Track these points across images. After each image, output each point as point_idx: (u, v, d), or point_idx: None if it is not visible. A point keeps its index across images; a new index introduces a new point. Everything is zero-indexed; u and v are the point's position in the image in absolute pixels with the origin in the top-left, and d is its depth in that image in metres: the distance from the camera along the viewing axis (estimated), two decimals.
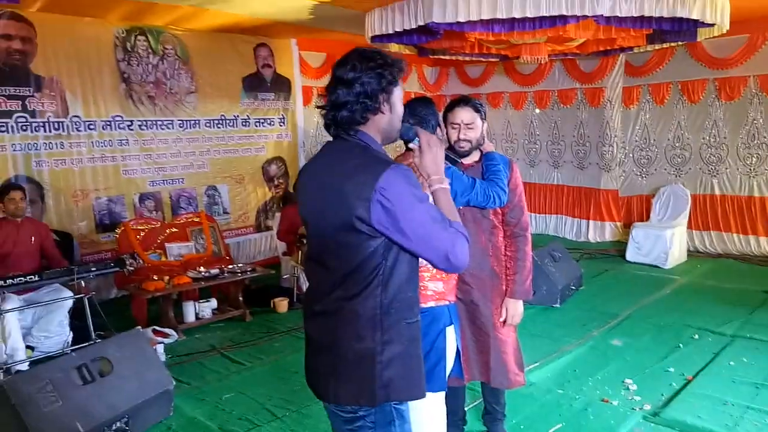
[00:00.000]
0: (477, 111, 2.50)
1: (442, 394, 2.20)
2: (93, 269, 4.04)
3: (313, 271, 1.69)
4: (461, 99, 2.56)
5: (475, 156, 2.60)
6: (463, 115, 2.49)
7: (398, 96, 1.61)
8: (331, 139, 1.64)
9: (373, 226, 1.47)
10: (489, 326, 2.63)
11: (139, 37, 6.02)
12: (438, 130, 2.33)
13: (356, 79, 1.52)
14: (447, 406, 2.77)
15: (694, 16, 4.98)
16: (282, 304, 5.35)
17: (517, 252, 2.63)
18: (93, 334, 3.89)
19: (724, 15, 5.31)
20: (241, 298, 5.18)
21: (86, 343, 3.71)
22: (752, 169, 6.86)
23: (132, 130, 6.01)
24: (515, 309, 2.63)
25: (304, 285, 5.62)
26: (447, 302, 2.20)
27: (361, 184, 1.46)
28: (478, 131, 2.51)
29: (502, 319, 2.62)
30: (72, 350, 3.68)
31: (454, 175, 2.24)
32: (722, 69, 6.85)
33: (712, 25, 5.40)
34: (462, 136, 2.49)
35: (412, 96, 9.22)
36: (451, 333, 2.20)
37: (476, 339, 2.68)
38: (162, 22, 6.03)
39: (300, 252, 5.55)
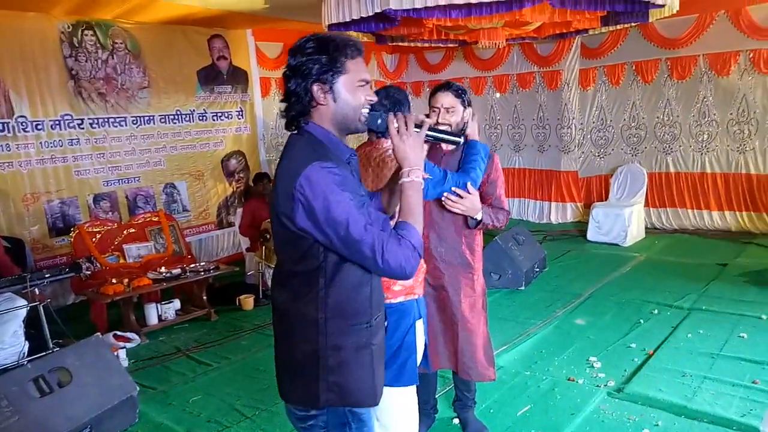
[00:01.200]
0: (458, 96, 2.51)
1: (413, 388, 2.20)
2: (47, 276, 3.89)
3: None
4: (443, 84, 2.57)
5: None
6: (443, 99, 2.50)
7: (347, 83, 1.49)
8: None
9: (297, 226, 1.42)
10: (458, 315, 2.63)
11: (86, 32, 5.78)
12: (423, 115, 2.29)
13: (292, 70, 1.48)
14: (418, 396, 2.81)
15: None
16: (248, 302, 5.28)
17: (496, 210, 2.64)
18: (50, 343, 3.76)
19: None
20: (205, 297, 5.08)
21: (43, 353, 3.58)
22: (704, 146, 7.08)
23: (83, 128, 5.79)
24: (474, 201, 2.45)
25: (269, 281, 5.56)
26: (416, 296, 2.20)
27: (286, 181, 1.42)
28: (459, 116, 2.52)
29: (453, 197, 2.44)
30: (28, 361, 3.54)
31: (425, 167, 2.22)
32: (673, 49, 7.02)
33: (663, 6, 5.51)
34: (441, 120, 2.50)
35: (372, 83, 9.27)
36: (420, 327, 2.20)
37: (445, 327, 2.69)
38: (110, 15, 5.80)
39: (264, 247, 5.47)
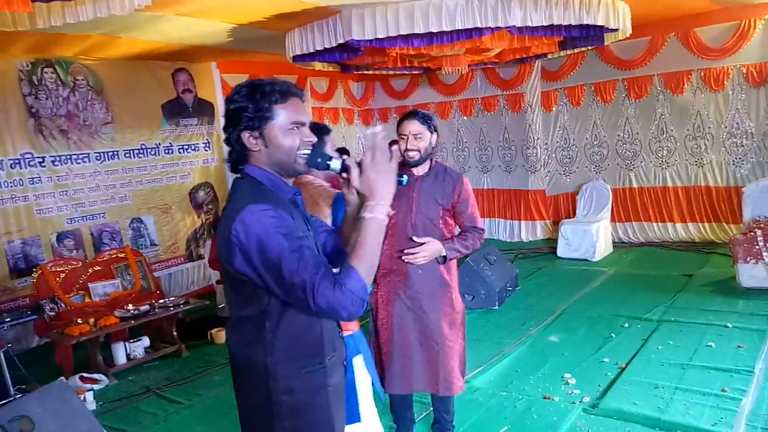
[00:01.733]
0: (424, 122, 2.66)
1: (355, 426, 2.19)
2: (7, 319, 3.76)
3: None
4: (410, 112, 2.73)
5: (425, 167, 2.75)
6: (411, 126, 2.65)
7: (277, 128, 1.47)
8: None
9: (236, 270, 1.41)
10: (437, 335, 2.68)
11: (46, 69, 5.71)
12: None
13: (227, 119, 1.50)
14: (394, 411, 2.85)
15: (599, 23, 5.28)
16: (220, 335, 5.17)
17: (469, 233, 2.75)
18: (11, 389, 3.61)
19: (626, 20, 5.66)
20: (175, 333, 4.96)
21: (3, 401, 3.42)
22: (664, 161, 7.31)
23: (44, 166, 5.67)
24: (431, 251, 2.60)
25: None
26: (350, 332, 2.21)
27: (224, 226, 1.42)
28: (426, 141, 2.67)
29: (413, 249, 2.59)
30: None
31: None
32: (629, 69, 7.29)
33: (617, 29, 5.74)
34: (410, 146, 2.66)
35: (340, 111, 9.33)
36: (359, 362, 2.20)
37: (424, 349, 2.71)
38: (71, 52, 5.75)
39: None
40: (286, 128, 1.48)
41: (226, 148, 1.54)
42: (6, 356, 3.70)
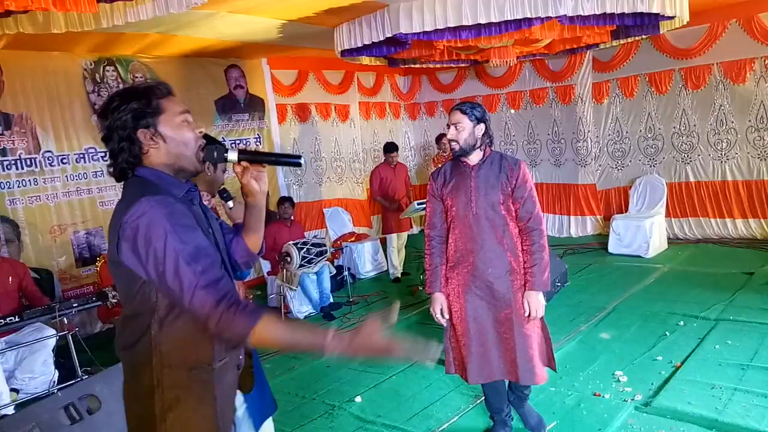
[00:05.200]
0: (464, 113, 2.64)
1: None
2: (75, 305, 3.98)
3: None
4: (456, 103, 2.74)
5: (478, 156, 2.71)
6: (452, 116, 2.68)
7: (168, 122, 1.47)
8: None
9: (123, 263, 1.37)
10: (513, 322, 2.66)
11: (107, 68, 5.99)
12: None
13: (109, 128, 1.45)
14: (489, 405, 2.92)
15: (655, 10, 5.10)
16: None
17: (532, 245, 2.66)
18: (79, 371, 3.83)
19: (683, 7, 5.44)
20: None
21: (72, 381, 3.65)
22: (723, 154, 7.00)
23: (106, 160, 5.93)
24: (537, 302, 2.64)
25: (292, 303, 5.60)
26: None
27: (114, 220, 1.39)
28: (467, 132, 2.64)
29: (526, 314, 2.65)
30: (58, 389, 3.62)
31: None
32: (686, 59, 7.00)
33: (673, 17, 5.53)
34: (450, 136, 2.68)
35: (386, 106, 9.37)
36: None
37: (500, 338, 2.72)
38: (130, 51, 6.01)
39: (285, 270, 5.53)
40: (177, 121, 1.49)
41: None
42: (74, 339, 3.92)
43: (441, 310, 2.79)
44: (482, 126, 2.67)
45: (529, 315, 2.64)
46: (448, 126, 2.70)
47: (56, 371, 4.17)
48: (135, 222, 1.34)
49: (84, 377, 3.70)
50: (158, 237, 1.33)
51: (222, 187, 2.49)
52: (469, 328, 2.75)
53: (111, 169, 1.50)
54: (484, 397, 3.03)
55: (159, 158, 1.47)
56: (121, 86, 6.08)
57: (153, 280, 1.36)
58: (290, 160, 1.65)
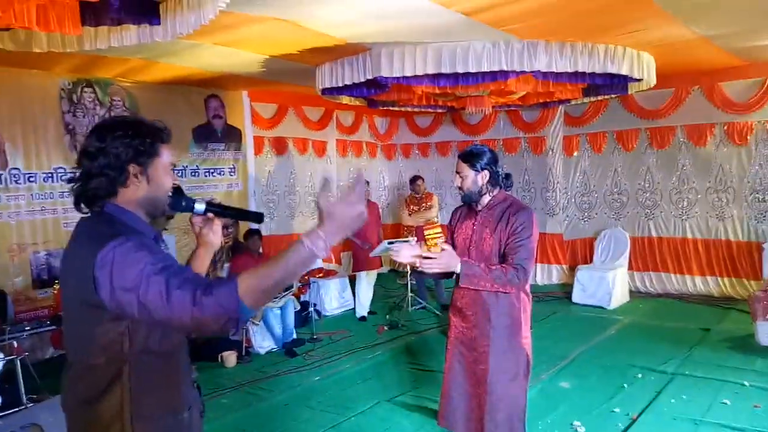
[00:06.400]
0: (466, 161, 2.69)
1: None
2: (27, 328, 3.86)
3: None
4: (462, 151, 2.79)
5: (487, 199, 2.71)
6: (456, 165, 2.74)
7: (161, 167, 1.48)
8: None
9: (103, 304, 1.32)
10: (488, 381, 2.60)
11: (86, 89, 5.96)
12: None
13: (101, 150, 1.40)
14: None
15: (624, 72, 5.38)
16: (230, 358, 5.20)
17: (506, 272, 2.51)
18: (24, 398, 3.67)
19: (651, 71, 5.75)
20: (190, 364, 4.99)
21: (16, 409, 3.48)
22: (684, 212, 7.27)
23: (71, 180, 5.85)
24: (448, 258, 2.45)
25: (254, 337, 5.51)
26: None
27: (82, 264, 1.34)
28: (469, 180, 2.68)
29: (429, 256, 2.47)
30: (0, 416, 3.45)
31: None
32: (652, 119, 7.34)
33: (641, 80, 5.83)
34: (455, 184, 2.75)
35: (363, 145, 9.49)
36: None
37: (472, 393, 2.69)
38: (111, 74, 6.01)
39: None
40: (167, 168, 1.51)
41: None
42: (22, 364, 3.77)
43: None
44: (486, 173, 2.67)
45: (427, 262, 2.45)
46: (456, 173, 2.75)
47: (0, 397, 3.99)
48: (112, 260, 1.30)
49: (29, 405, 3.55)
50: (133, 261, 1.30)
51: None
52: (450, 369, 2.77)
53: (77, 191, 1.44)
54: None
55: (134, 196, 1.46)
56: (98, 108, 6.05)
57: (135, 308, 1.30)
58: (253, 216, 1.74)
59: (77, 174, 1.45)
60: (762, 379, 4.29)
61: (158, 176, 1.48)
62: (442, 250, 2.47)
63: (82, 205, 1.46)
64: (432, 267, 2.46)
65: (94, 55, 5.06)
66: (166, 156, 1.50)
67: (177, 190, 1.59)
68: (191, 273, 1.35)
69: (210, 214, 1.65)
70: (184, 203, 1.59)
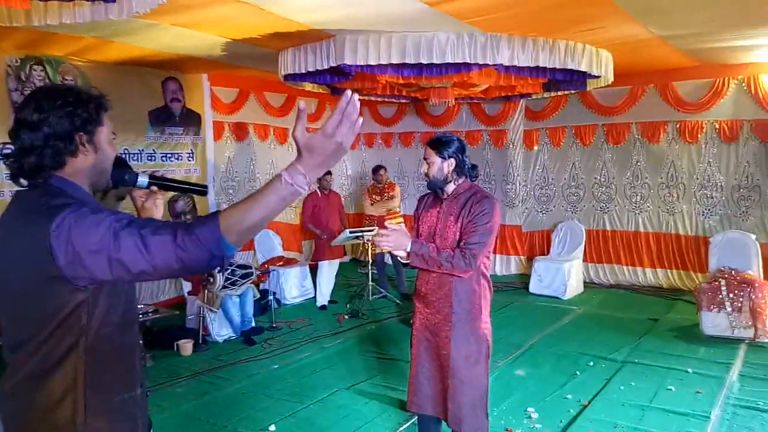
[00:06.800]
0: (433, 148, 2.71)
1: None
2: None
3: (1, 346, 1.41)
4: (430, 138, 2.80)
5: (452, 188, 2.74)
6: (424, 152, 2.76)
7: (104, 136, 1.44)
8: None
9: (62, 271, 1.26)
10: (449, 367, 2.65)
11: (35, 67, 5.69)
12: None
13: (43, 120, 1.33)
14: None
15: (582, 68, 5.50)
16: (186, 347, 5.11)
17: (452, 256, 2.54)
18: None
19: (609, 68, 5.90)
20: (141, 341, 4.88)
21: None
22: (637, 206, 7.52)
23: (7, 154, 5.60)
24: (400, 236, 2.52)
25: (212, 325, 5.42)
26: None
27: (35, 233, 1.27)
28: (436, 167, 2.70)
29: (382, 232, 2.54)
30: None
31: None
32: (609, 116, 7.54)
33: (599, 77, 5.97)
34: (422, 170, 2.77)
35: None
36: None
37: (437, 375, 2.74)
38: (62, 52, 5.74)
39: (206, 291, 5.36)
40: (109, 137, 1.47)
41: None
42: None
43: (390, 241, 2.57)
44: (452, 161, 2.69)
45: (381, 236, 2.52)
46: (424, 159, 2.77)
47: None
48: (67, 223, 1.24)
49: None
50: (93, 223, 1.24)
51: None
52: (417, 354, 2.80)
53: (18, 164, 1.35)
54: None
55: (82, 167, 1.40)
56: None
57: (103, 269, 1.24)
58: (197, 189, 1.72)
59: (14, 148, 1.36)
60: (704, 366, 4.50)
61: (104, 145, 1.44)
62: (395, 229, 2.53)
63: (22, 180, 1.38)
64: (382, 243, 2.52)
65: (44, 31, 4.83)
66: (108, 125, 1.45)
67: (119, 162, 1.53)
68: (161, 221, 1.30)
69: (154, 188, 1.60)
70: (127, 176, 1.54)
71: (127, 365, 1.44)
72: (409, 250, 2.53)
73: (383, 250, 2.60)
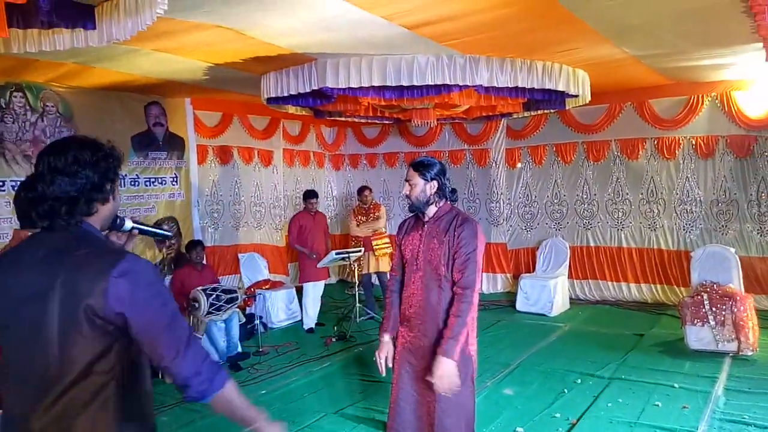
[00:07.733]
0: (416, 170, 2.75)
1: None
2: None
3: (15, 390, 1.44)
4: (414, 160, 2.83)
5: (433, 210, 2.76)
6: (407, 173, 2.78)
7: (116, 185, 1.59)
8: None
9: (106, 316, 1.37)
10: (433, 390, 2.61)
11: (15, 94, 5.66)
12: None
13: (81, 171, 1.45)
14: None
15: (560, 88, 5.61)
16: None
17: (456, 311, 2.58)
18: None
19: (585, 87, 6.02)
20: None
21: None
22: (619, 222, 7.62)
23: (3, 191, 5.54)
24: (442, 368, 2.51)
25: None
26: None
27: (94, 273, 1.38)
28: (418, 188, 2.72)
29: (430, 379, 2.54)
30: None
31: None
32: (589, 134, 7.67)
33: (577, 96, 6.09)
34: (404, 192, 2.81)
35: (311, 155, 9.43)
36: None
37: (420, 400, 2.71)
38: (43, 78, 5.73)
39: (192, 316, 5.30)
40: (117, 188, 1.62)
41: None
42: None
43: (386, 357, 2.79)
44: (435, 183, 2.71)
45: (440, 388, 2.52)
46: (406, 181, 2.79)
47: None
48: (135, 275, 1.40)
49: None
50: (161, 291, 1.45)
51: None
52: (398, 377, 2.79)
53: (48, 208, 1.43)
54: None
55: (101, 215, 1.53)
56: (29, 114, 5.75)
57: (141, 330, 1.40)
58: (162, 234, 1.96)
59: (44, 192, 1.43)
60: (690, 381, 4.53)
61: (116, 193, 1.59)
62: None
63: (41, 222, 1.47)
64: (444, 389, 2.53)
65: (25, 58, 4.82)
66: (119, 178, 1.62)
67: None
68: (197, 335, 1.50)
69: (135, 231, 1.71)
70: (117, 221, 1.65)
71: (148, 399, 1.56)
72: (454, 360, 2.53)
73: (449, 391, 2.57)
